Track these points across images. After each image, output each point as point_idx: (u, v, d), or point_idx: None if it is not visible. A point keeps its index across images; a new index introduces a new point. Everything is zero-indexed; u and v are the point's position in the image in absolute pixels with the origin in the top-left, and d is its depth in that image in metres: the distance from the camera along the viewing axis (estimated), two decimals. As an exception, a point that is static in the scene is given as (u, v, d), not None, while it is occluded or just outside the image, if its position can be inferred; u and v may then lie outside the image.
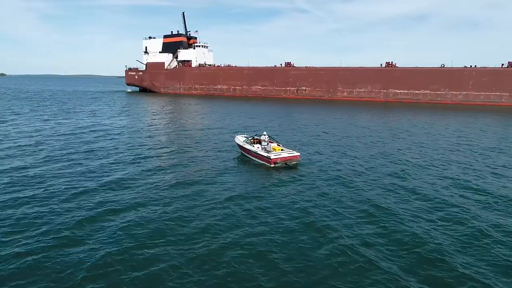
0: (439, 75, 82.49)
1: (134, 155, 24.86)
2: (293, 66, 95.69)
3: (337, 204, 15.72)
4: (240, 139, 25.77)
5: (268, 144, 24.01)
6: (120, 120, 45.34)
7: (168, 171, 20.82)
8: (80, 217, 13.79)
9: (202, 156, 24.86)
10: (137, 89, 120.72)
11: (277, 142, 25.04)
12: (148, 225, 13.24)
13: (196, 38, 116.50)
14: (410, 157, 25.15)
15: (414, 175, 20.54)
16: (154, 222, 13.49)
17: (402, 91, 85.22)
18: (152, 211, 14.57)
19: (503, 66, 79.65)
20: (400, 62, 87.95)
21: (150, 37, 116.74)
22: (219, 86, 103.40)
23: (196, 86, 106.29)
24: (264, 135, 24.73)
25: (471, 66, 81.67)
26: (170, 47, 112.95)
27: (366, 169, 21.73)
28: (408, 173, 20.82)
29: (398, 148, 28.65)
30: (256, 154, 23.33)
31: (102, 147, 27.42)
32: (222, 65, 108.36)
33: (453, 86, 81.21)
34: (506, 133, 38.25)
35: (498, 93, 78.58)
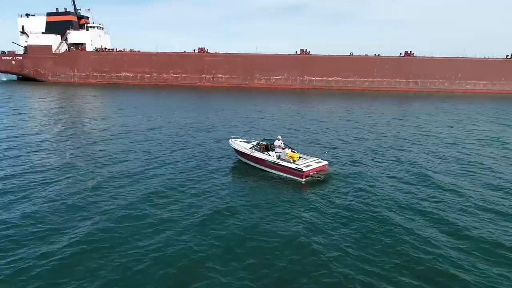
0: (348, 63, 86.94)
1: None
2: (207, 52, 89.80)
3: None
4: (243, 145, 20.27)
5: (282, 151, 18.91)
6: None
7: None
8: None
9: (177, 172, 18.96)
10: (15, 77, 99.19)
11: (290, 147, 19.96)
12: None
13: (88, 18, 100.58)
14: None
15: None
16: None
17: (316, 78, 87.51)
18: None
19: (401, 55, 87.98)
20: (283, 51, 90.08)
21: (27, 15, 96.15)
22: (124, 74, 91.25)
23: (95, 74, 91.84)
24: (279, 139, 19.46)
25: (375, 54, 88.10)
26: (56, 27, 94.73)
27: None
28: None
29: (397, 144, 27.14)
30: (276, 166, 18.15)
31: None
32: (124, 50, 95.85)
33: (361, 74, 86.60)
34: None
35: (398, 80, 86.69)
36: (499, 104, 58.66)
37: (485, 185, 17.22)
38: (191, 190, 15.72)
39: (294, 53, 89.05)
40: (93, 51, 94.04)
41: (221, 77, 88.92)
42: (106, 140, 25.64)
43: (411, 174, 18.71)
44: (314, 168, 17.45)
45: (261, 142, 20.22)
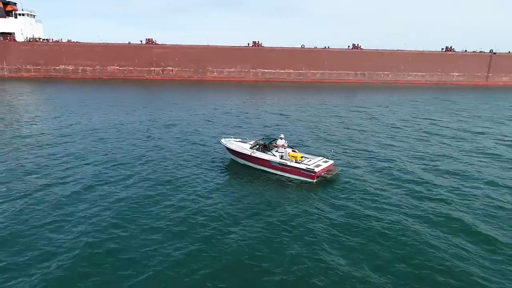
0: (300, 55, 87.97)
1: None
2: (155, 43, 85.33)
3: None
4: (241, 146, 18.71)
5: (284, 150, 17.79)
6: None
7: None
8: None
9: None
10: None
11: (290, 146, 18.78)
12: None
13: (16, 4, 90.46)
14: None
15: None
16: None
17: (269, 70, 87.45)
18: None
19: (349, 48, 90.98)
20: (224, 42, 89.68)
21: None
22: (62, 67, 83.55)
23: (28, 67, 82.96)
24: (281, 138, 18.33)
25: (324, 47, 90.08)
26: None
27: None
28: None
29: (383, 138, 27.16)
30: (283, 167, 17.05)
31: None
32: (61, 40, 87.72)
33: (312, 66, 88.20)
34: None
35: (347, 72, 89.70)
36: (467, 95, 63.06)
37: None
38: (188, 198, 14.16)
39: (246, 45, 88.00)
40: (24, 41, 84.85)
41: (172, 70, 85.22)
42: (52, 144, 22.68)
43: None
44: (323, 168, 16.80)
45: (260, 142, 18.91)
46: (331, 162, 17.72)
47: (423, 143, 25.07)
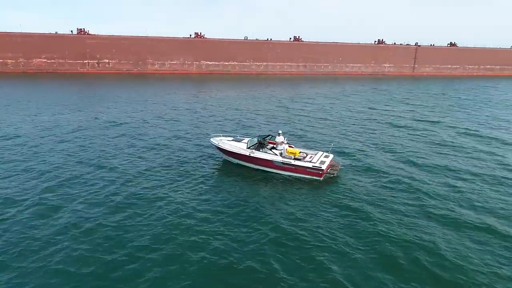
0: (244, 47, 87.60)
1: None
2: (88, 34, 78.66)
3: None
4: (236, 145, 17.50)
5: (283, 147, 17.07)
6: None
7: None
8: None
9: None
10: None
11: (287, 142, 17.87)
12: None
13: None
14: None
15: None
16: None
17: (213, 62, 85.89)
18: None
19: (291, 40, 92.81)
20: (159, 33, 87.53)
21: None
22: (-24, 60, 73.25)
23: None
24: (280, 135, 17.46)
25: (267, 39, 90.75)
26: None
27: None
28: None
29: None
30: (287, 167, 16.20)
31: None
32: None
33: (256, 58, 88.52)
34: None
35: (289, 63, 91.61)
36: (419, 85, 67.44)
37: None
38: (190, 204, 13.16)
39: (188, 36, 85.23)
40: None
41: (108, 63, 79.44)
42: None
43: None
44: (328, 165, 16.40)
45: (259, 140, 17.84)
46: (331, 156, 17.27)
47: (387, 134, 26.54)
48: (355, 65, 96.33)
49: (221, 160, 19.02)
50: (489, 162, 19.93)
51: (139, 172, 17.00)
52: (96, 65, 78.87)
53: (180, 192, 14.83)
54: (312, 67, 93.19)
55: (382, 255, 10.79)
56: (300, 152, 17.12)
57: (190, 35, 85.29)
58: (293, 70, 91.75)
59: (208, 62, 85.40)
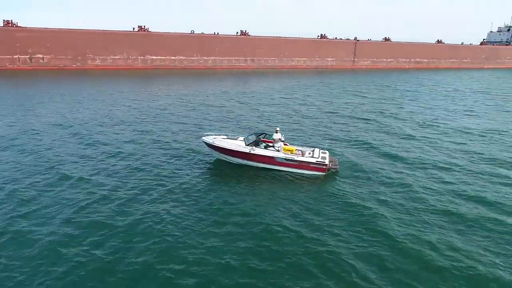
0: (191, 41, 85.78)
1: None
2: (17, 26, 71.33)
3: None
4: (233, 143, 17.05)
5: (280, 144, 16.96)
6: None
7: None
8: None
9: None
10: None
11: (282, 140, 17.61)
12: None
13: None
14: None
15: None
16: None
17: (159, 57, 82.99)
18: None
19: (238, 34, 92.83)
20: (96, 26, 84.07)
21: None
22: None
23: None
24: (277, 131, 17.21)
25: (214, 33, 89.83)
26: None
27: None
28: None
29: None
30: (290, 163, 16.13)
31: None
32: None
33: (204, 52, 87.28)
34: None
35: (237, 58, 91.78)
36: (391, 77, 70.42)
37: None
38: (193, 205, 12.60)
39: (131, 30, 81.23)
40: None
41: (43, 58, 72.90)
42: None
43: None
44: (329, 160, 16.66)
45: (258, 137, 17.67)
46: (327, 152, 17.46)
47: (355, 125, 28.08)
48: (301, 59, 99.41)
49: (205, 160, 18.74)
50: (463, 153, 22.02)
51: (111, 182, 16.28)
52: (29, 60, 71.96)
53: (179, 199, 14.53)
54: (260, 61, 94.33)
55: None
56: (296, 150, 17.23)
57: (134, 28, 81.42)
58: (241, 64, 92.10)
59: (154, 57, 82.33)
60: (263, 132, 18.97)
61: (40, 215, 12.92)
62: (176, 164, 18.16)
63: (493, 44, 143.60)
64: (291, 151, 16.87)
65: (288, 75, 78.20)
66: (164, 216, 12.82)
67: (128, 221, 12.53)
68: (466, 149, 22.41)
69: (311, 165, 16.17)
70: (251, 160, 17.02)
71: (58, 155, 19.45)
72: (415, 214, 13.64)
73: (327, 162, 16.24)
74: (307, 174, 16.33)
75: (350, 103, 40.08)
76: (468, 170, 18.49)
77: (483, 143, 23.87)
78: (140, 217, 12.78)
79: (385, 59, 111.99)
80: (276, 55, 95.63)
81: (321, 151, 17.42)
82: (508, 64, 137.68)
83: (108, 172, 17.07)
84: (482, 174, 17.96)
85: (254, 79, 66.88)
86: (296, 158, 16.37)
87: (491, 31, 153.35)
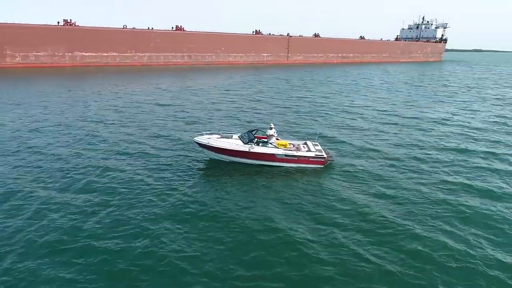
0: (124, 36, 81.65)
1: None
2: None
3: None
4: (230, 142, 17.01)
5: (274, 141, 17.31)
6: None
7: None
8: None
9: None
10: None
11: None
12: None
13: None
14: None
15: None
16: None
17: (90, 54, 77.64)
18: None
19: (173, 29, 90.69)
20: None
21: None
22: None
23: None
24: (272, 128, 17.53)
25: (148, 28, 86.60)
26: None
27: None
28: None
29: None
30: (289, 158, 16.63)
31: None
32: None
33: (139, 48, 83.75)
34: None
35: (174, 54, 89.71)
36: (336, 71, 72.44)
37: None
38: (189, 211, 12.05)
39: (56, 24, 74.65)
40: None
41: None
42: None
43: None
44: (325, 152, 17.26)
45: (254, 134, 17.70)
46: (318, 144, 17.96)
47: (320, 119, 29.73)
48: (238, 54, 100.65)
49: (195, 160, 18.23)
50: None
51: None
52: None
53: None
54: (197, 57, 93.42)
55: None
56: (289, 144, 17.70)
57: (58, 22, 74.92)
58: (178, 60, 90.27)
59: (84, 53, 76.78)
60: (255, 128, 19.18)
61: None
62: (163, 171, 17.92)
63: (405, 40, 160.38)
64: (284, 146, 17.45)
65: (229, 70, 78.76)
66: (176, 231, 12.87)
67: (141, 241, 12.43)
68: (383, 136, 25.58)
69: (310, 159, 16.66)
70: (250, 158, 16.99)
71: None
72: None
73: (325, 155, 16.82)
74: (308, 167, 16.76)
75: (295, 97, 42.17)
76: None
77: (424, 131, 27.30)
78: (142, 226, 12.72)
79: (315, 54, 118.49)
80: (213, 51, 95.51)
81: (313, 143, 17.95)
82: (418, 58, 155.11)
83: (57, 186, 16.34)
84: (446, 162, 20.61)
85: (193, 75, 66.04)
86: (296, 153, 16.77)
87: (403, 28, 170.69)
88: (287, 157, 16.78)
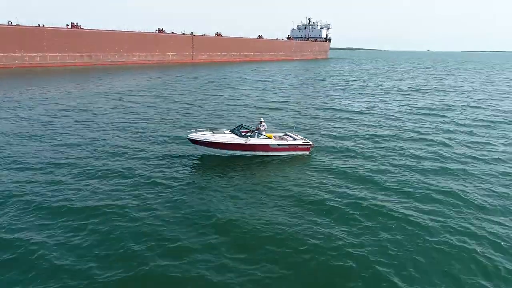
0: (9, 33, 71.67)
1: None
2: None
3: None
4: (226, 136, 18.31)
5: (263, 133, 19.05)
6: None
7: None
8: None
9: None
10: None
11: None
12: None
13: None
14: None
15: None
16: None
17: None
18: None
19: (68, 27, 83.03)
20: None
21: None
22: None
23: None
24: (262, 122, 19.39)
25: (39, 25, 77.67)
26: None
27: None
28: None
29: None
30: (282, 147, 18.62)
31: None
32: None
33: (29, 47, 74.68)
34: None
35: (71, 53, 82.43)
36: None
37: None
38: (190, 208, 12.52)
39: None
40: None
41: None
42: None
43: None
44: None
45: (250, 128, 19.16)
46: (298, 134, 20.29)
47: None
48: (142, 54, 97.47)
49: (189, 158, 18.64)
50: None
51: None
52: None
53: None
54: (98, 57, 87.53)
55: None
56: (273, 136, 19.43)
57: None
58: (77, 61, 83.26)
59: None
60: (240, 124, 20.53)
61: None
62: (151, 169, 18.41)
63: (296, 39, 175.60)
64: (269, 137, 19.11)
65: (138, 70, 76.23)
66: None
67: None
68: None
69: (298, 146, 18.88)
70: (246, 150, 18.49)
71: None
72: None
73: (310, 142, 19.30)
74: (295, 155, 18.96)
75: (215, 95, 44.48)
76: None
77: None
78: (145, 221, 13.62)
79: (219, 53, 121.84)
80: (115, 50, 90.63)
81: (293, 132, 20.19)
82: (309, 56, 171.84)
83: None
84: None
85: (96, 77, 62.60)
86: (287, 142, 18.87)
87: (293, 28, 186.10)
88: (279, 146, 18.77)
